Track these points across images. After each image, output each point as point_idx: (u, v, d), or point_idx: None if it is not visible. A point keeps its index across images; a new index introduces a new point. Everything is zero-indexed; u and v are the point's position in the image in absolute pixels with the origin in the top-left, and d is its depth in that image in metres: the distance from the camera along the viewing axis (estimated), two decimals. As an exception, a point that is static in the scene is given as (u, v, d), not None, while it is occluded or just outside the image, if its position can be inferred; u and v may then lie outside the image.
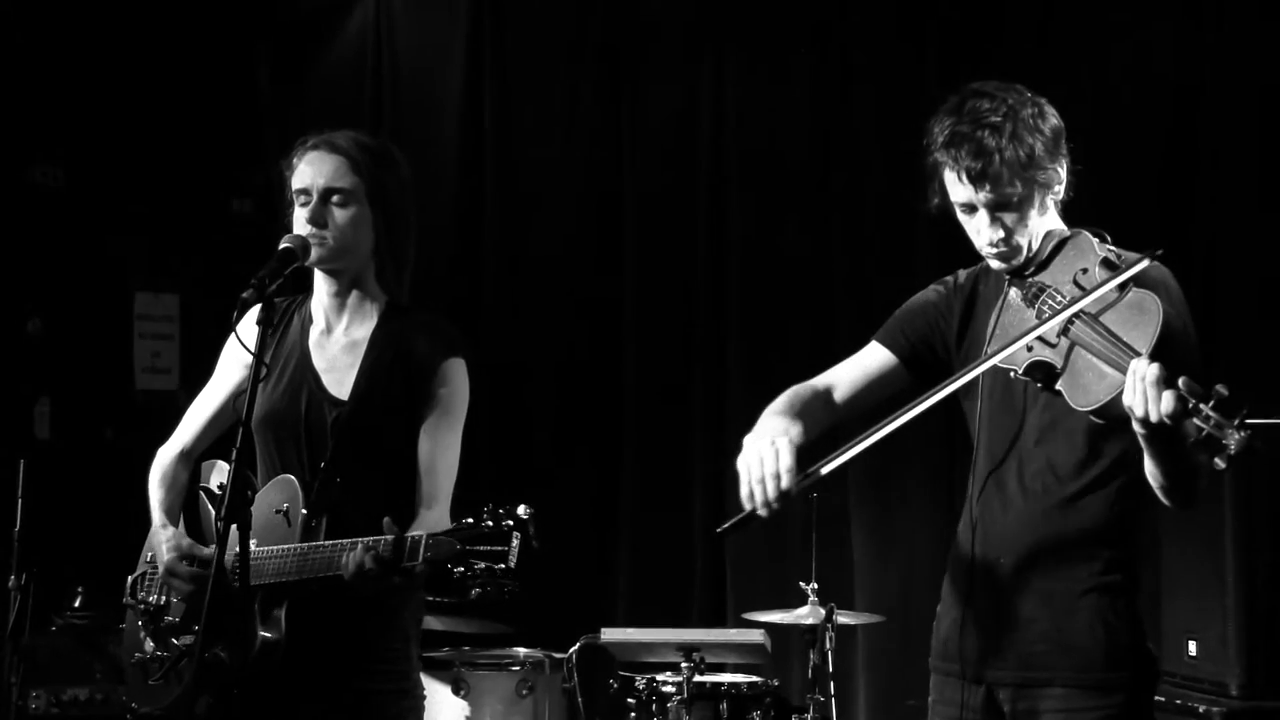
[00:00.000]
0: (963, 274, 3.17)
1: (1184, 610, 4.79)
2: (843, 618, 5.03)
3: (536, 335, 6.60)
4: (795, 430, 2.91)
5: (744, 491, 2.85)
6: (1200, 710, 4.54)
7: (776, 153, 6.39)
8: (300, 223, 3.26)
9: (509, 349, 6.54)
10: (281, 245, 3.17)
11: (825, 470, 2.86)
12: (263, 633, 3.10)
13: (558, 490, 6.25)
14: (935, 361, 3.11)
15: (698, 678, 4.94)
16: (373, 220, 3.29)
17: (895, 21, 6.25)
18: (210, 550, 3.22)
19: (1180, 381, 2.53)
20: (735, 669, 5.30)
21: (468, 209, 6.71)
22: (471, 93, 6.70)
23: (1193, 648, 4.71)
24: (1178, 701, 4.65)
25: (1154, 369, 2.56)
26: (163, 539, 3.31)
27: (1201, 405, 2.50)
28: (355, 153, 3.29)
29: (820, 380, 3.15)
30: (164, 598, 3.36)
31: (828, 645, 4.95)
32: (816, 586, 5.12)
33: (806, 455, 2.89)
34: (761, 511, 2.83)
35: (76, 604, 5.64)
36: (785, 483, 2.80)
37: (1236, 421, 2.47)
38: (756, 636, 4.97)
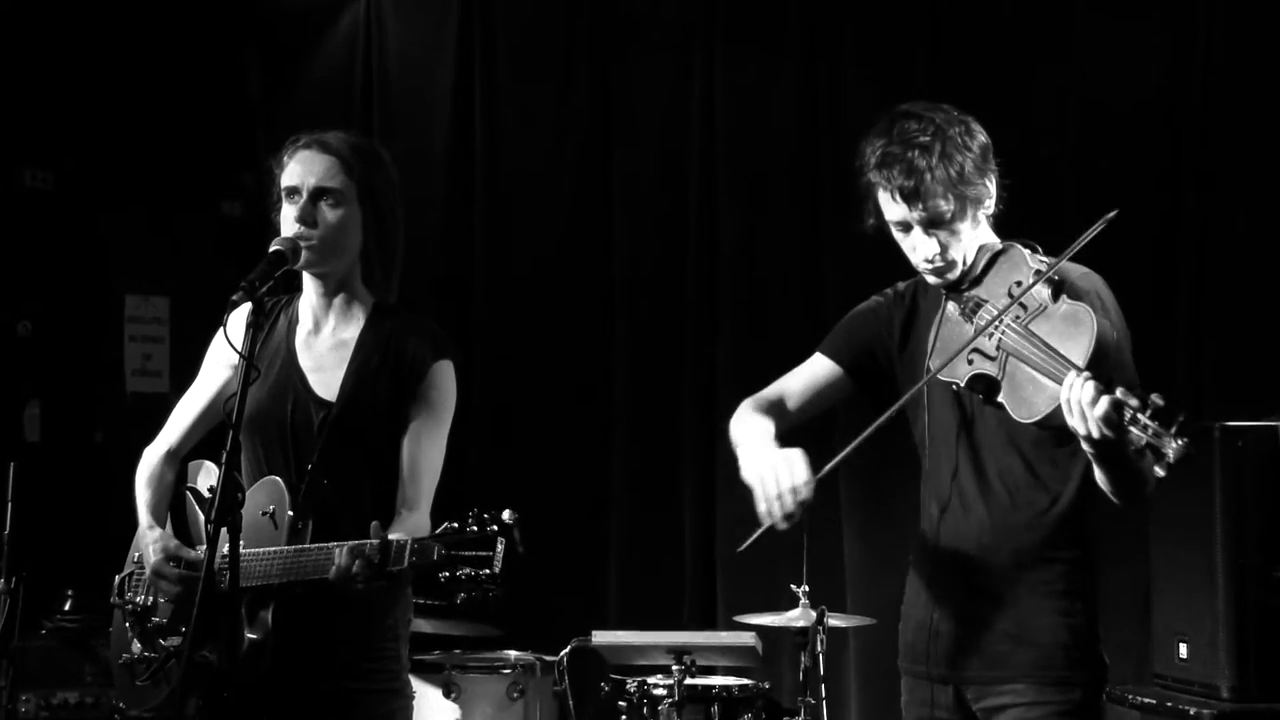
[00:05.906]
0: (902, 285, 3.28)
1: (1174, 612, 4.79)
2: (834, 620, 5.02)
3: (525, 335, 6.59)
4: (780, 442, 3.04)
5: (761, 507, 2.91)
6: (1191, 713, 4.54)
7: (767, 149, 6.39)
8: (289, 221, 3.25)
9: (498, 349, 6.53)
10: (272, 248, 3.17)
11: (822, 473, 2.94)
12: (249, 635, 3.09)
13: (548, 493, 6.24)
14: (877, 370, 3.22)
15: (689, 680, 4.94)
16: (362, 221, 3.29)
17: (886, 17, 6.25)
18: (197, 553, 3.22)
19: (1118, 392, 2.59)
20: (726, 671, 5.29)
21: (457, 208, 6.69)
22: (461, 92, 6.69)
23: (1183, 650, 4.71)
24: (1168, 704, 4.65)
25: (1090, 384, 2.64)
26: (149, 540, 3.30)
27: (1140, 415, 2.56)
28: (346, 153, 3.28)
29: (772, 391, 3.28)
30: (151, 598, 3.35)
31: (819, 648, 4.94)
32: (808, 589, 5.11)
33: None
34: (782, 525, 2.90)
35: (66, 607, 5.62)
36: (804, 494, 2.89)
37: (1174, 430, 2.53)
38: (748, 639, 4.97)
